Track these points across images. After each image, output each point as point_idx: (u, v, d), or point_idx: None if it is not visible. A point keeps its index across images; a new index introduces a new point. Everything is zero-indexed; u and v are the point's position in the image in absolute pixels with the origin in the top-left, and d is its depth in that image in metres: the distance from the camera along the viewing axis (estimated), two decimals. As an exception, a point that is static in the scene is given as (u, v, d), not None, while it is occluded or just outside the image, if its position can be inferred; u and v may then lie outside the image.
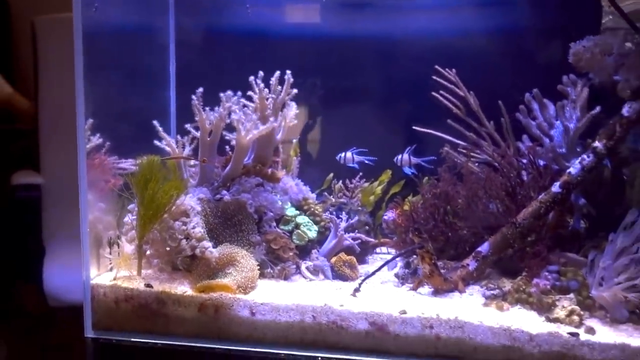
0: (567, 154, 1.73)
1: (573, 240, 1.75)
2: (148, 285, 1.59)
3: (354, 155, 2.02)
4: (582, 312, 1.47)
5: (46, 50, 2.43)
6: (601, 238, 1.70)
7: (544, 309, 1.51)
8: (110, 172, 1.94)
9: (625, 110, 1.62)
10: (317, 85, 2.26)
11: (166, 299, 1.57)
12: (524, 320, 1.46)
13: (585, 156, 1.63)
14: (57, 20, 2.36)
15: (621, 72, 1.70)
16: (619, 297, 1.44)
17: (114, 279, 1.64)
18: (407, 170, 1.97)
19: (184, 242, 1.60)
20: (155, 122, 1.76)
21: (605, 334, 1.41)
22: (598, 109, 1.69)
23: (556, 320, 1.46)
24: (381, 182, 2.05)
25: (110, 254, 1.72)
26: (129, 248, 1.69)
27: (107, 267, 1.74)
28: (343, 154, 2.03)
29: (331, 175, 2.10)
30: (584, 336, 1.40)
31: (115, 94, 2.06)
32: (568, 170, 1.65)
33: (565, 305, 1.49)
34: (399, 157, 1.98)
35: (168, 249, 1.63)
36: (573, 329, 1.42)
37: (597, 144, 1.63)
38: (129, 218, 1.70)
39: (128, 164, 2.00)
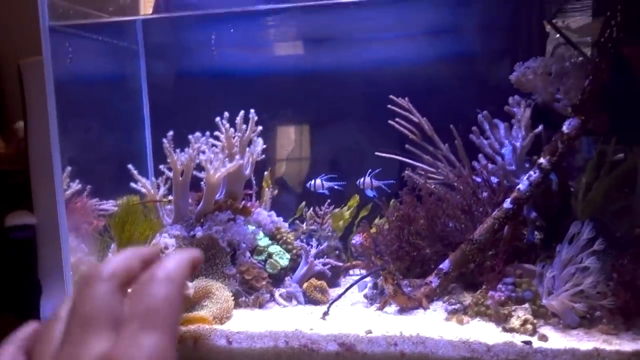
0: (516, 170, 1.84)
1: (529, 251, 1.86)
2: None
3: (323, 182, 2.12)
4: (535, 321, 1.57)
5: (32, 91, 2.54)
6: (554, 248, 1.80)
7: (501, 319, 1.61)
8: (92, 214, 2.05)
9: (565, 127, 1.73)
10: (286, 117, 2.38)
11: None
12: (483, 332, 1.56)
13: (532, 172, 1.74)
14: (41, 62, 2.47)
15: (561, 90, 1.82)
16: (567, 304, 1.54)
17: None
18: (369, 193, 2.08)
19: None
20: (129, 166, 1.86)
21: (557, 340, 1.51)
22: (540, 127, 1.81)
23: (512, 330, 1.56)
24: (350, 207, 2.15)
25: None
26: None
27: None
28: (313, 182, 2.14)
29: (303, 203, 2.21)
30: (537, 343, 1.49)
31: (93, 138, 2.17)
32: (517, 187, 1.76)
33: (520, 315, 1.59)
34: (361, 180, 2.09)
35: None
36: (527, 337, 1.52)
37: (542, 160, 1.74)
38: (112, 249, 1.80)
39: (109, 205, 2.11)
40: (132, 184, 1.89)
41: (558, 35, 2.25)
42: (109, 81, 2.19)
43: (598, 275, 1.52)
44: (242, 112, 1.89)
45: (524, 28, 2.21)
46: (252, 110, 1.89)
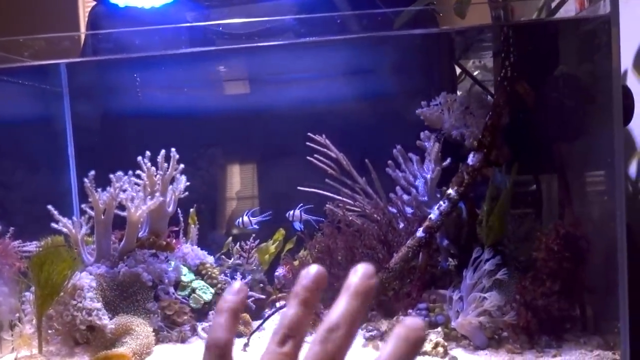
0: (428, 201, 1.95)
1: (444, 277, 1.95)
2: (48, 362, 1.67)
3: (250, 218, 2.17)
4: (446, 343, 1.65)
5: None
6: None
7: (415, 343, 1.67)
8: (15, 256, 2.02)
9: (470, 160, 1.86)
10: (214, 153, 2.44)
11: (66, 373, 1.65)
12: (397, 356, 1.62)
13: (442, 202, 1.85)
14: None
15: (466, 125, 1.95)
16: (474, 323, 1.63)
17: (15, 359, 1.71)
18: (297, 226, 2.14)
19: (79, 316, 1.70)
20: (49, 207, 1.87)
21: (466, 361, 1.59)
22: (448, 160, 1.93)
23: (424, 353, 1.63)
24: (275, 241, 2.20)
25: (12, 335, 1.79)
26: (29, 328, 1.77)
27: (9, 349, 1.81)
28: (240, 219, 2.18)
29: (230, 239, 2.25)
30: (447, 365, 1.57)
31: (17, 180, 2.17)
32: (429, 216, 1.85)
33: (432, 338, 1.66)
34: (291, 212, 2.15)
35: (66, 325, 1.72)
36: None
37: (450, 191, 1.85)
38: (26, 298, 1.78)
39: (32, 247, 2.08)
40: (54, 224, 1.88)
41: (475, 73, 2.42)
42: (33, 123, 2.20)
43: (501, 297, 1.62)
44: (163, 151, 1.93)
45: (436, 68, 2.36)
46: (172, 149, 1.94)
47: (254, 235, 2.15)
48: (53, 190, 2.29)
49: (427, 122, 1.99)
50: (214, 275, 2.01)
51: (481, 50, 2.36)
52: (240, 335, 1.85)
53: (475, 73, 2.53)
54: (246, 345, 1.73)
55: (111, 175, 1.87)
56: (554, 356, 1.59)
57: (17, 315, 1.83)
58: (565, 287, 1.66)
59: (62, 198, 2.26)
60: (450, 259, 1.99)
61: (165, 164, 1.93)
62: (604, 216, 1.72)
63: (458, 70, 2.32)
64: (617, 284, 1.53)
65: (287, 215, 2.16)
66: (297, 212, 2.14)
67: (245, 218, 2.17)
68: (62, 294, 1.73)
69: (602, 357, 1.55)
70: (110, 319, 1.73)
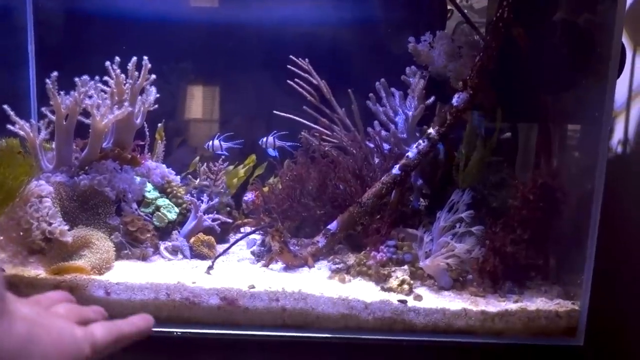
0: (407, 139, 1.90)
1: (414, 217, 1.94)
2: (-1, 270, 1.59)
3: (221, 143, 2.09)
4: (412, 282, 1.65)
5: None
6: (437, 215, 1.90)
7: (381, 279, 1.67)
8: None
9: (455, 100, 1.81)
10: (185, 69, 2.31)
11: (18, 282, 1.57)
12: (362, 291, 1.62)
13: (421, 141, 1.81)
14: None
15: (452, 65, 1.89)
16: (442, 265, 1.63)
17: (-37, 265, 1.63)
18: (271, 152, 2.08)
19: (35, 225, 1.61)
20: (5, 106, 1.73)
21: (430, 300, 1.59)
22: (432, 98, 1.88)
23: (389, 289, 1.63)
24: (246, 166, 2.14)
25: (-40, 240, 1.69)
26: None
27: (-42, 254, 1.71)
28: (211, 142, 2.10)
29: (197, 158, 2.17)
30: (412, 302, 1.57)
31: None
32: (407, 154, 1.81)
33: (398, 276, 1.66)
34: (264, 139, 2.08)
35: (21, 232, 1.64)
36: (403, 297, 1.59)
37: (430, 130, 1.80)
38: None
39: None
40: (9, 126, 1.75)
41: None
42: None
43: (471, 242, 1.62)
44: (134, 59, 1.80)
45: (426, 2, 2.27)
46: (145, 57, 1.81)
47: (222, 157, 2.07)
48: (8, 89, 2.12)
49: (415, 58, 1.91)
50: (179, 194, 1.94)
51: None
52: (204, 257, 1.81)
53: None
54: (210, 268, 1.69)
55: (76, 79, 1.74)
56: (516, 301, 1.61)
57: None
58: (534, 236, 1.67)
59: (18, 98, 2.11)
60: (421, 199, 1.97)
61: (136, 73, 1.80)
62: (583, 170, 1.71)
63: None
64: (587, 237, 1.55)
65: (260, 142, 2.09)
66: (271, 138, 2.07)
67: (216, 142, 2.09)
68: (17, 200, 1.63)
69: (562, 305, 1.58)
70: (69, 231, 1.65)
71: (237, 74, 2.30)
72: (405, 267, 1.71)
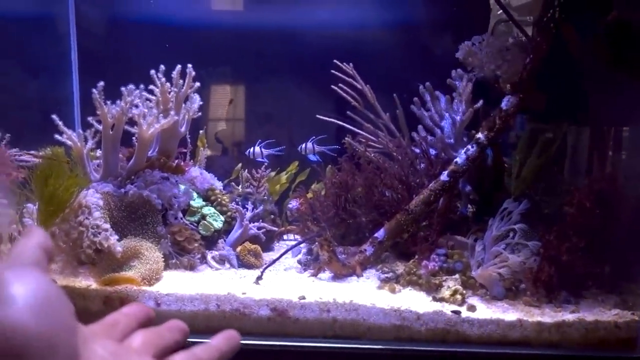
0: (454, 144, 1.86)
1: (462, 224, 1.90)
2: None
3: (262, 150, 2.08)
4: (464, 292, 1.61)
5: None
6: (486, 222, 1.85)
7: (432, 289, 1.64)
8: (11, 165, 1.90)
9: (504, 104, 1.77)
10: (225, 75, 2.30)
11: (70, 293, 1.57)
12: (413, 301, 1.59)
13: (469, 147, 1.77)
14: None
15: (502, 67, 1.85)
16: (494, 276, 1.60)
17: (16, 275, 1.64)
18: (312, 158, 2.06)
19: (85, 236, 1.61)
20: (54, 116, 1.73)
21: (484, 311, 1.56)
22: (480, 102, 1.83)
23: (442, 299, 1.60)
24: (288, 172, 2.12)
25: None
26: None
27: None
28: (252, 149, 2.08)
29: (239, 165, 2.16)
30: (465, 313, 1.54)
31: (13, 83, 2.01)
32: (455, 160, 1.78)
33: (450, 285, 1.63)
34: (303, 145, 2.06)
35: (71, 243, 1.64)
36: (456, 307, 1.56)
37: (479, 135, 1.76)
38: (27, 210, 1.68)
39: (30, 157, 1.97)
40: (57, 136, 1.76)
41: (499, 12, 2.28)
42: (34, 23, 2.02)
43: (525, 254, 1.58)
44: (179, 67, 1.79)
45: (469, 2, 2.22)
46: (189, 65, 1.80)
47: (266, 163, 2.06)
48: (52, 97, 2.14)
49: (464, 60, 1.87)
50: (224, 202, 1.93)
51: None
52: (251, 266, 1.80)
53: (498, 12, 2.39)
54: (259, 278, 1.68)
55: (122, 88, 1.74)
56: (572, 312, 1.57)
57: (17, 228, 1.74)
58: (591, 244, 1.62)
59: (62, 107, 2.12)
60: (469, 206, 1.93)
61: (181, 81, 1.79)
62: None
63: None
64: (647, 246, 1.50)
65: (299, 149, 2.07)
66: (310, 144, 2.05)
67: (257, 148, 2.07)
68: (67, 210, 1.63)
69: (621, 316, 1.53)
70: (118, 241, 1.65)
71: (280, 77, 2.28)
72: (457, 276, 1.67)
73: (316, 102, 2.16)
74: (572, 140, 2.01)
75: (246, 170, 2.11)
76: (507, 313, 1.55)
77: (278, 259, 1.74)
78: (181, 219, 1.81)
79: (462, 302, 1.59)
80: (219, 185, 2.02)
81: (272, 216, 2.01)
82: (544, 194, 1.79)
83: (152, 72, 1.77)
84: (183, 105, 1.84)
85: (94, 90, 1.72)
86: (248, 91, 2.35)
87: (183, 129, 1.86)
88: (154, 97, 1.79)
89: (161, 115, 1.76)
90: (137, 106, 1.74)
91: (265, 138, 2.10)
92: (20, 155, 1.95)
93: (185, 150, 2.03)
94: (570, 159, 2.00)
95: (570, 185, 1.68)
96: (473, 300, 1.61)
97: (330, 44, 2.14)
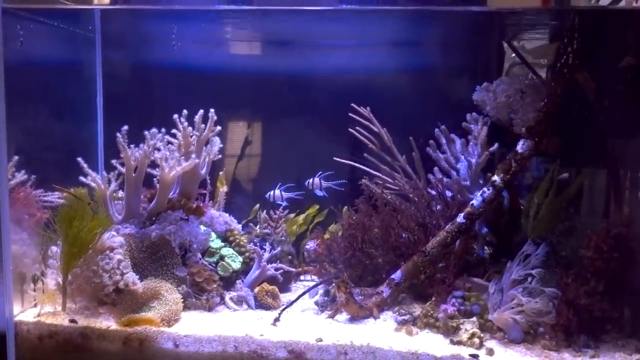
0: (470, 186, 1.88)
1: (478, 265, 1.91)
2: (72, 321, 1.62)
3: (282, 193, 2.10)
4: (482, 335, 1.60)
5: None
6: (503, 264, 1.85)
7: (449, 332, 1.64)
8: (35, 206, 1.95)
9: (520, 147, 1.79)
10: (245, 118, 2.35)
11: (90, 333, 1.60)
12: (431, 344, 1.58)
13: (485, 189, 1.78)
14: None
15: (516, 111, 1.87)
16: (511, 319, 1.59)
17: (38, 315, 1.67)
18: (319, 193, 2.08)
19: (107, 277, 1.64)
20: (79, 159, 1.79)
21: (502, 355, 1.55)
22: (496, 146, 1.86)
23: (459, 342, 1.59)
24: (308, 215, 2.15)
25: (34, 290, 1.74)
26: (53, 284, 1.71)
27: (32, 303, 1.75)
28: (272, 192, 2.11)
29: (257, 205, 2.19)
30: (483, 357, 1.53)
31: (42, 127, 2.07)
32: (471, 202, 1.79)
33: (468, 328, 1.62)
34: (310, 181, 2.08)
35: (93, 284, 1.67)
36: (474, 351, 1.55)
37: (495, 177, 1.78)
38: (52, 252, 1.72)
39: (54, 197, 2.01)
40: (82, 178, 1.81)
41: (513, 55, 2.32)
42: (62, 68, 2.10)
43: (543, 302, 1.57)
44: (201, 111, 1.85)
45: (483, 47, 2.26)
46: (211, 110, 1.86)
47: (283, 206, 2.09)
48: (77, 140, 2.20)
49: (479, 105, 1.90)
50: (242, 243, 1.95)
51: (524, 33, 2.25)
52: (269, 307, 1.81)
53: (513, 54, 2.43)
54: (277, 319, 1.69)
55: (146, 132, 1.79)
56: (592, 357, 1.55)
57: (40, 268, 1.77)
58: (609, 287, 1.61)
59: (86, 149, 2.18)
60: (486, 247, 1.94)
61: (202, 125, 1.85)
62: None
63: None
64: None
65: (306, 183, 2.09)
66: (317, 180, 2.07)
67: (277, 192, 2.10)
68: (90, 252, 1.67)
69: (643, 362, 1.52)
70: (139, 282, 1.68)
71: (297, 121, 2.33)
72: (474, 318, 1.66)
73: (333, 145, 2.20)
74: (588, 182, 2.01)
75: (265, 211, 2.14)
76: (525, 357, 1.54)
77: (295, 300, 1.75)
78: (200, 259, 1.84)
79: (480, 346, 1.58)
80: (237, 226, 2.05)
81: (290, 257, 2.03)
82: (562, 236, 1.79)
83: (175, 116, 1.83)
84: (204, 148, 1.89)
85: (118, 133, 1.78)
86: (266, 134, 2.39)
87: (203, 171, 1.91)
88: (175, 141, 1.84)
89: (182, 158, 1.80)
90: (159, 149, 1.79)
91: (284, 182, 2.13)
92: (44, 195, 2.00)
93: (204, 192, 2.07)
94: (587, 201, 2.00)
95: (587, 228, 1.67)
96: (491, 344, 1.61)
97: (350, 88, 2.19)
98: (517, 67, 2.27)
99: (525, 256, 1.61)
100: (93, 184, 1.82)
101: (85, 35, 2.16)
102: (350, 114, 1.97)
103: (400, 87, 2.22)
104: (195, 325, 1.65)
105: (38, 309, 1.69)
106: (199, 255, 1.84)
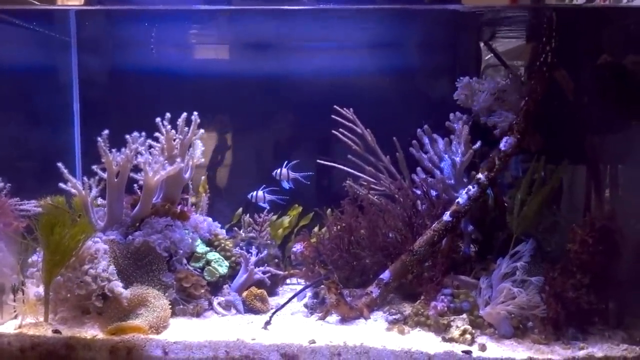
0: (455, 184, 1.90)
1: (465, 263, 1.92)
2: (56, 331, 1.57)
3: (265, 195, 2.08)
4: (473, 331, 1.61)
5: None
6: (489, 261, 1.87)
7: (441, 329, 1.64)
8: (12, 214, 1.89)
9: (503, 145, 1.81)
10: (225, 122, 2.33)
11: (76, 344, 1.55)
12: (423, 342, 1.58)
13: (470, 187, 1.80)
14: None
15: (498, 109, 1.90)
16: (502, 314, 1.60)
17: (19, 326, 1.61)
18: (285, 185, 2.07)
19: (92, 285, 1.60)
20: (59, 164, 1.74)
21: (494, 350, 1.56)
22: (479, 143, 1.88)
23: (451, 339, 1.60)
24: (291, 216, 2.13)
25: (14, 300, 1.67)
26: (34, 293, 1.65)
27: (12, 315, 1.69)
28: (255, 193, 2.09)
29: (240, 209, 2.16)
30: (476, 353, 1.54)
31: (15, 133, 2.02)
32: (457, 200, 1.81)
33: (459, 325, 1.63)
34: (277, 171, 2.07)
35: (77, 293, 1.62)
36: (466, 347, 1.56)
37: (480, 175, 1.80)
38: (33, 261, 1.67)
39: (30, 206, 1.95)
40: (61, 184, 1.76)
41: (487, 57, 2.36)
42: (36, 72, 2.04)
43: (534, 291, 1.59)
44: (184, 114, 1.82)
45: (462, 48, 2.29)
46: (195, 113, 1.83)
47: (268, 207, 2.07)
48: (54, 146, 2.14)
49: (461, 103, 1.93)
50: (227, 247, 1.93)
51: (499, 33, 2.29)
52: (258, 311, 1.79)
53: (487, 57, 2.47)
54: (268, 323, 1.66)
55: (127, 136, 1.75)
56: (581, 349, 1.57)
57: (19, 278, 1.71)
58: (595, 280, 1.64)
59: (63, 156, 2.12)
60: (472, 245, 1.95)
61: (186, 128, 1.82)
62: (637, 211, 1.70)
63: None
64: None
65: (273, 174, 2.08)
66: (284, 170, 2.06)
67: (260, 193, 2.08)
68: (73, 259, 1.62)
69: (631, 351, 1.54)
70: (125, 289, 1.63)
71: (277, 123, 2.32)
72: (464, 315, 1.67)
73: (320, 146, 2.20)
74: (567, 178, 2.05)
75: (247, 214, 2.12)
76: (517, 351, 1.55)
77: (287, 303, 1.73)
78: (186, 265, 1.80)
79: (472, 342, 1.59)
80: (222, 231, 2.02)
81: (276, 260, 2.01)
82: (546, 232, 1.82)
83: (158, 119, 1.80)
84: (187, 152, 1.86)
85: (98, 138, 1.73)
86: (247, 137, 2.38)
87: (187, 175, 1.88)
88: (157, 145, 1.80)
89: (166, 162, 1.77)
90: (141, 153, 1.76)
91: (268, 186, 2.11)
92: (20, 204, 1.94)
93: (187, 196, 2.03)
94: (567, 197, 2.04)
95: (570, 223, 1.70)
96: (482, 339, 1.62)
97: (331, 89, 2.20)
98: (490, 69, 2.31)
99: (514, 253, 1.63)
100: (73, 190, 1.77)
101: (60, 39, 2.11)
102: (333, 116, 1.96)
103: (382, 88, 2.23)
104: (185, 332, 1.61)
105: (19, 320, 1.63)
106: (185, 261, 1.81)
